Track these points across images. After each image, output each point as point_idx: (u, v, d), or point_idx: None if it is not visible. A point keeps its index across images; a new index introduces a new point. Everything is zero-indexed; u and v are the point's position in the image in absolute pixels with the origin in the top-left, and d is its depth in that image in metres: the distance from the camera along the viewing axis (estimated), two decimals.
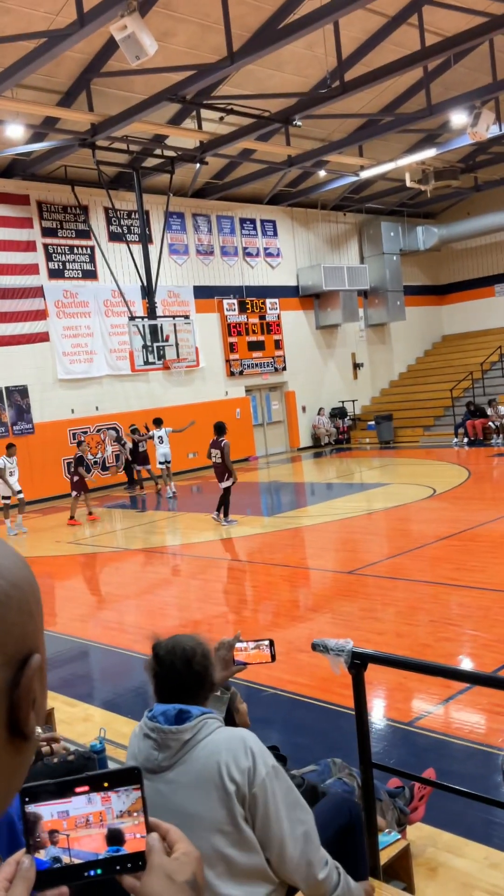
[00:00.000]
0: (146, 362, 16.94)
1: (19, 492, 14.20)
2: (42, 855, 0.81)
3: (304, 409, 23.47)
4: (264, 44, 11.93)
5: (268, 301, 22.38)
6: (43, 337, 17.69)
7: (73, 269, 18.39)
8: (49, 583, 10.13)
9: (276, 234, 22.88)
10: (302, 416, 23.44)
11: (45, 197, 17.85)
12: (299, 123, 14.93)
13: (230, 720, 2.81)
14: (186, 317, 18.73)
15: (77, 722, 5.28)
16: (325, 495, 15.40)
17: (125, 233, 18.35)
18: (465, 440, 20.32)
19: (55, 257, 18.04)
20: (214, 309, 21.22)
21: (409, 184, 19.98)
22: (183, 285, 20.53)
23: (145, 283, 17.36)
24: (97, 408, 18.70)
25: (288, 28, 11.85)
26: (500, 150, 20.45)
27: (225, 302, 21.35)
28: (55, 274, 18.02)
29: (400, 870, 3.08)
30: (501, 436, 19.50)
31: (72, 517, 14.40)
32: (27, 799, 0.82)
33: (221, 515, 12.46)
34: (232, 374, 21.55)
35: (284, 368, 22.91)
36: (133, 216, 18.93)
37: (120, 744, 4.39)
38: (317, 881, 2.06)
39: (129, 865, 0.83)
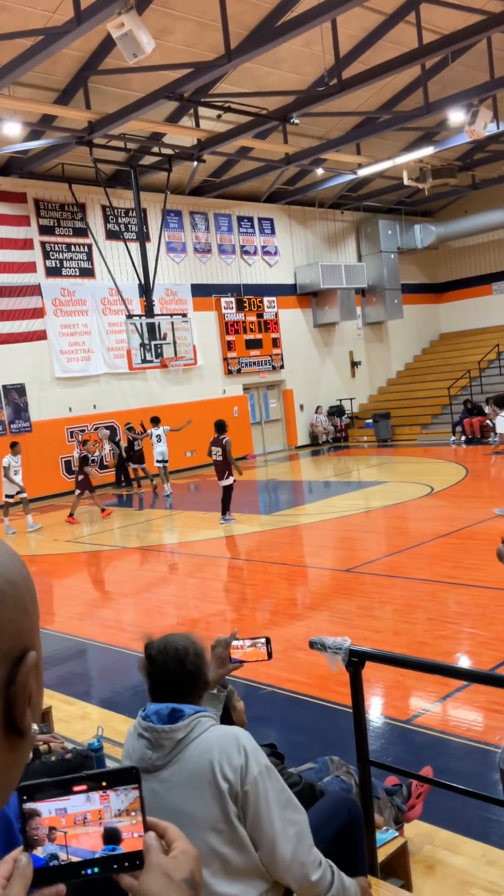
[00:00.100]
0: (144, 360, 16.93)
1: (21, 491, 14.04)
2: (39, 852, 0.81)
3: (301, 407, 23.47)
4: (262, 41, 11.93)
5: (265, 299, 22.38)
6: (40, 335, 17.67)
7: (70, 267, 18.37)
8: (47, 581, 10.13)
9: (273, 232, 22.88)
10: (300, 415, 23.44)
11: (43, 195, 17.83)
12: (297, 121, 14.92)
13: (227, 718, 2.81)
14: (184, 315, 18.73)
15: (75, 720, 5.28)
16: (323, 493, 15.40)
17: (123, 231, 18.34)
18: (463, 438, 20.33)
19: (52, 255, 18.02)
20: (212, 307, 21.21)
21: (406, 182, 19.99)
22: (180, 283, 20.52)
23: (143, 282, 17.34)
24: (95, 406, 18.69)
25: (285, 26, 11.85)
26: (497, 148, 20.44)
27: (223, 300, 21.34)
28: (52, 272, 18.00)
29: (397, 867, 3.08)
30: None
31: (71, 514, 14.36)
32: (25, 797, 0.82)
33: (227, 514, 12.45)
34: (230, 372, 21.55)
35: (282, 367, 22.91)
36: (130, 214, 18.91)
37: (118, 742, 4.39)
38: (309, 882, 2.04)
39: (126, 865, 0.83)
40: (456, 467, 16.16)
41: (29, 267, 17.49)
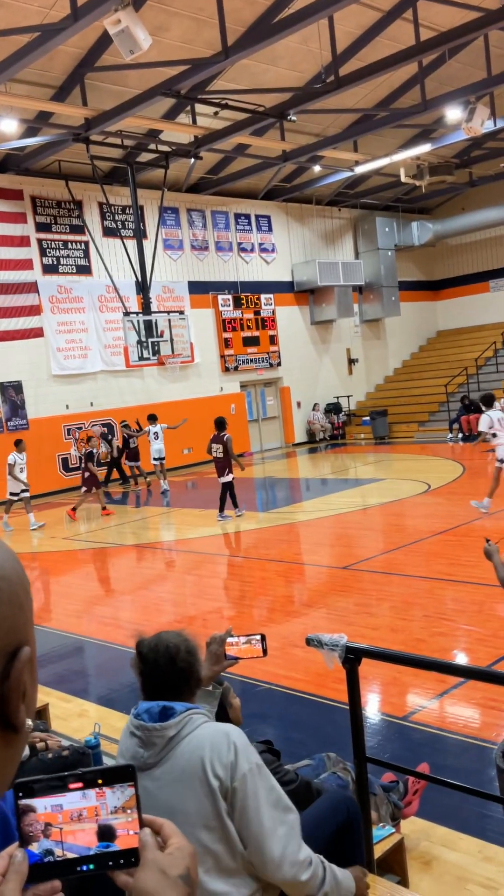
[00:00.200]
0: (141, 358, 16.92)
1: (25, 488, 13.89)
2: (35, 848, 0.81)
3: (298, 404, 23.47)
4: (259, 38, 11.91)
5: (262, 296, 22.36)
6: (37, 332, 17.65)
7: (67, 265, 18.34)
8: (44, 578, 10.13)
9: (270, 229, 22.86)
10: (297, 412, 23.44)
11: (39, 192, 17.79)
12: (294, 118, 14.90)
13: (223, 715, 2.81)
14: (181, 312, 18.72)
15: (72, 717, 5.29)
16: (320, 491, 15.41)
17: (119, 228, 18.31)
18: (460, 436, 20.35)
19: (49, 252, 17.99)
20: (209, 304, 21.19)
21: (403, 179, 19.97)
22: (177, 281, 20.50)
23: (140, 279, 17.33)
24: (92, 403, 18.67)
25: (282, 23, 11.83)
26: (494, 145, 20.44)
27: (220, 297, 21.32)
28: (49, 269, 17.97)
29: (394, 864, 3.09)
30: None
31: (74, 509, 14.29)
32: (21, 793, 0.82)
33: (234, 508, 12.45)
34: (227, 369, 21.54)
35: (279, 364, 22.90)
36: (127, 211, 18.87)
37: (114, 739, 4.38)
38: (299, 882, 2.01)
39: (121, 862, 0.83)
40: (453, 464, 16.18)
41: (26, 264, 17.46)
